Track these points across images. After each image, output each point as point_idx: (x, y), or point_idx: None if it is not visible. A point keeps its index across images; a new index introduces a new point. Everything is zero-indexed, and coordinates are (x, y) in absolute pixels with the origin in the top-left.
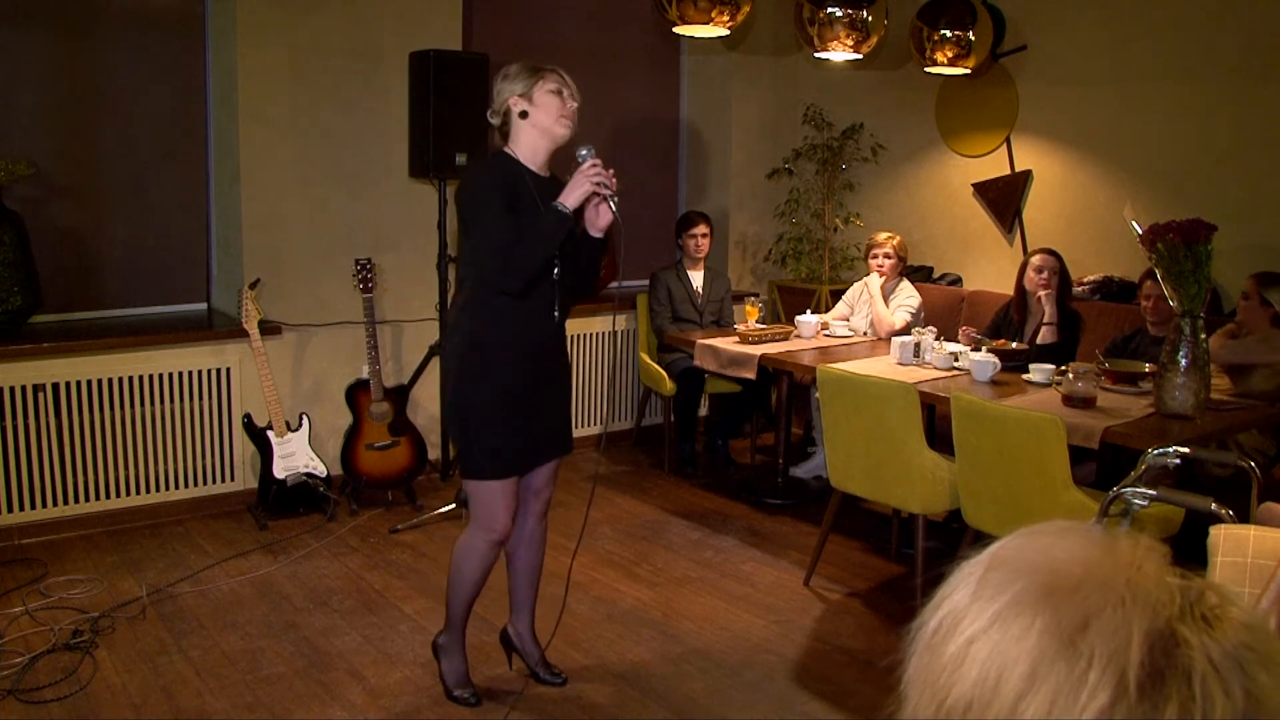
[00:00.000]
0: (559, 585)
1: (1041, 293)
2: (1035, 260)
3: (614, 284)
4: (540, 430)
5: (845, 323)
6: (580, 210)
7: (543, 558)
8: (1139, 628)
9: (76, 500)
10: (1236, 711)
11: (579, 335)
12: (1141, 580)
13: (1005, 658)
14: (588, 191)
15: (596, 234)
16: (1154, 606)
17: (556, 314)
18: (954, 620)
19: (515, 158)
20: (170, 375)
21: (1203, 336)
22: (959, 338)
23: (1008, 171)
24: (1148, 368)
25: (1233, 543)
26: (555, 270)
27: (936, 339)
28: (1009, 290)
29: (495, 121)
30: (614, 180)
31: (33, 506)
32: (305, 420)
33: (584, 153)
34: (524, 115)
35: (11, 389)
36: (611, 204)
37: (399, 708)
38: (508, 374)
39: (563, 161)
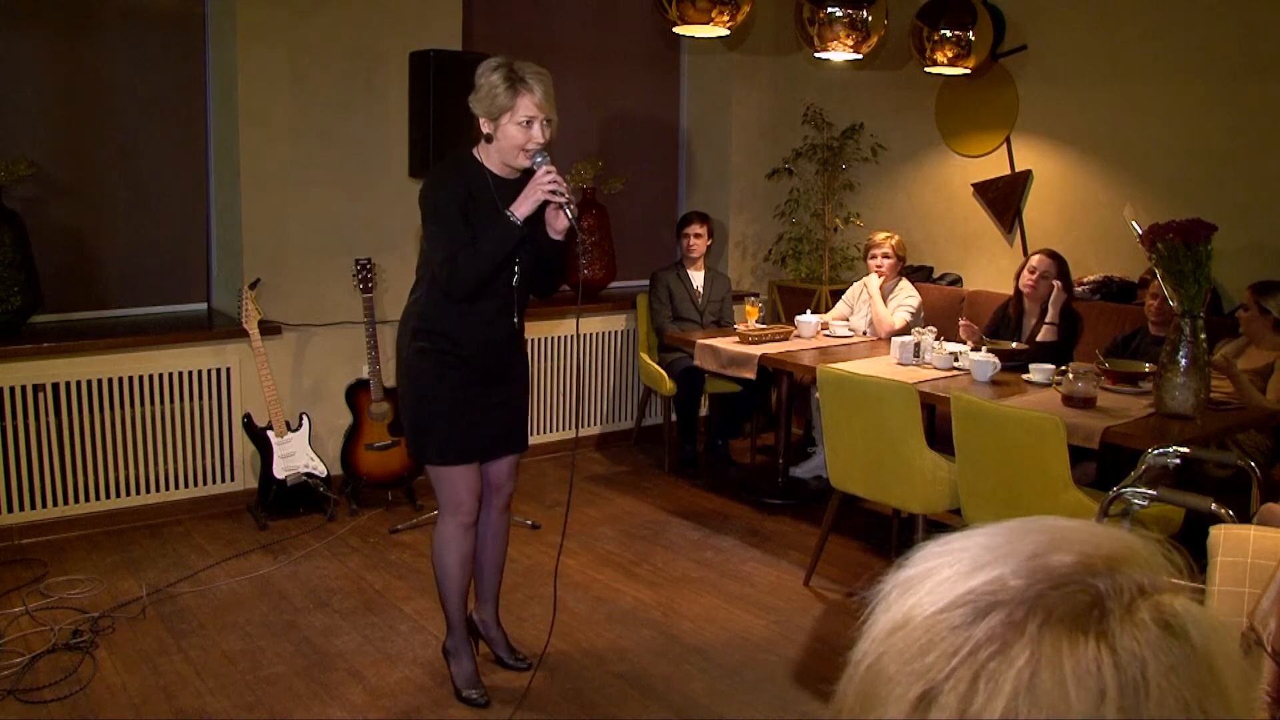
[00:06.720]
0: (549, 584)
1: (1027, 299)
2: (1031, 260)
3: (614, 284)
4: (495, 424)
5: (845, 323)
6: (541, 212)
7: (506, 549)
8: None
9: (76, 500)
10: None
11: (581, 335)
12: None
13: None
14: (539, 200)
15: (556, 237)
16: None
17: (515, 318)
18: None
19: (480, 160)
20: (170, 375)
21: (1203, 337)
22: (960, 331)
23: (1008, 171)
24: (1148, 368)
25: (1233, 543)
26: (516, 275)
27: (936, 339)
28: (1009, 290)
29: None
30: (568, 188)
31: (33, 506)
32: (305, 420)
33: (538, 160)
34: (489, 139)
35: (11, 389)
36: (567, 211)
37: (399, 708)
38: (457, 370)
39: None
